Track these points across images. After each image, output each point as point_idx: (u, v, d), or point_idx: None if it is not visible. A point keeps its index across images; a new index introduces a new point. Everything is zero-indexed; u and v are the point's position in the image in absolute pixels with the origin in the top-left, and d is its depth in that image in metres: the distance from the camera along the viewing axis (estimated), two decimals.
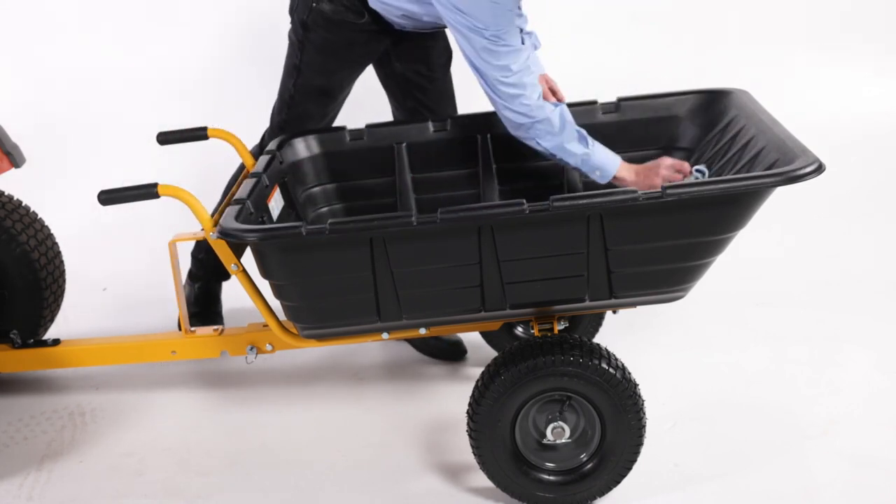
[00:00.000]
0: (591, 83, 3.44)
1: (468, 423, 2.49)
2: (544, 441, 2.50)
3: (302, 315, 2.44)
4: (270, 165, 2.85)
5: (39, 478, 2.84)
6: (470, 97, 3.55)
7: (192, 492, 2.75)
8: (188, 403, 3.19)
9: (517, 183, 3.07)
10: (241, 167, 3.20)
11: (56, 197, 4.39)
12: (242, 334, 2.89)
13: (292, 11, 3.10)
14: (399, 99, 3.26)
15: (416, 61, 3.16)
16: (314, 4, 2.97)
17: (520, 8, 2.80)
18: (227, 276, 3.40)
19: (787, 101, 4.18)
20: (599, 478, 2.50)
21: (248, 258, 2.50)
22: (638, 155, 3.03)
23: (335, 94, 3.13)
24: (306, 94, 3.09)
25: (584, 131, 2.78)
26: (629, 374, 2.44)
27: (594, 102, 3.06)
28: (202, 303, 3.35)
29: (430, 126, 3.06)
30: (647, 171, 2.77)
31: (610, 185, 2.78)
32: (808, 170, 2.24)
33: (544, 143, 2.74)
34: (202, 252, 3.33)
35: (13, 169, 2.98)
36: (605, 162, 2.76)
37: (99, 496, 2.76)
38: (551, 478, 2.52)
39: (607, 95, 3.09)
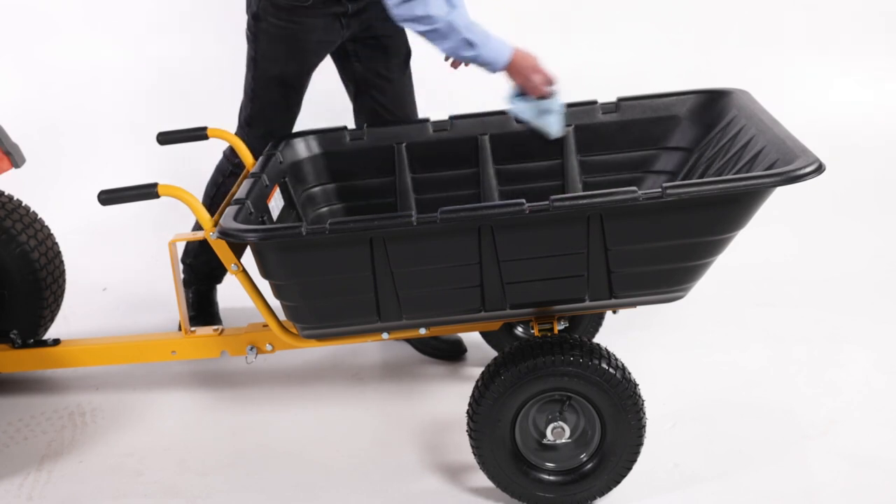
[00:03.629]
0: (591, 83, 3.44)
1: (468, 423, 2.49)
2: (544, 441, 2.50)
3: (302, 315, 2.44)
4: (270, 165, 2.85)
5: (39, 478, 2.84)
6: (470, 97, 3.55)
7: (192, 492, 2.75)
8: (188, 403, 3.19)
9: (517, 183, 3.07)
10: (226, 168, 3.21)
11: (56, 197, 4.39)
12: (242, 334, 2.89)
13: (247, 8, 3.12)
14: (358, 100, 3.26)
15: (374, 60, 3.17)
16: None
17: None
18: (218, 280, 3.41)
19: (787, 101, 4.18)
20: (599, 478, 2.50)
21: (248, 258, 2.50)
22: (638, 155, 3.03)
23: (293, 83, 3.11)
24: (265, 86, 3.09)
25: (475, 31, 2.78)
26: (629, 374, 2.44)
27: (594, 102, 3.06)
28: (198, 307, 3.37)
29: (430, 126, 3.06)
30: (531, 68, 2.84)
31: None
32: (807, 170, 2.24)
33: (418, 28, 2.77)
34: (190, 257, 3.35)
35: (13, 169, 2.98)
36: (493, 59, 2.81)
37: (99, 496, 2.76)
38: (551, 478, 2.52)
39: (607, 95, 3.09)
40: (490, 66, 2.84)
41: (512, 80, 2.89)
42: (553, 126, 2.95)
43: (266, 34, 3.04)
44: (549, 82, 2.90)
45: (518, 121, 3.01)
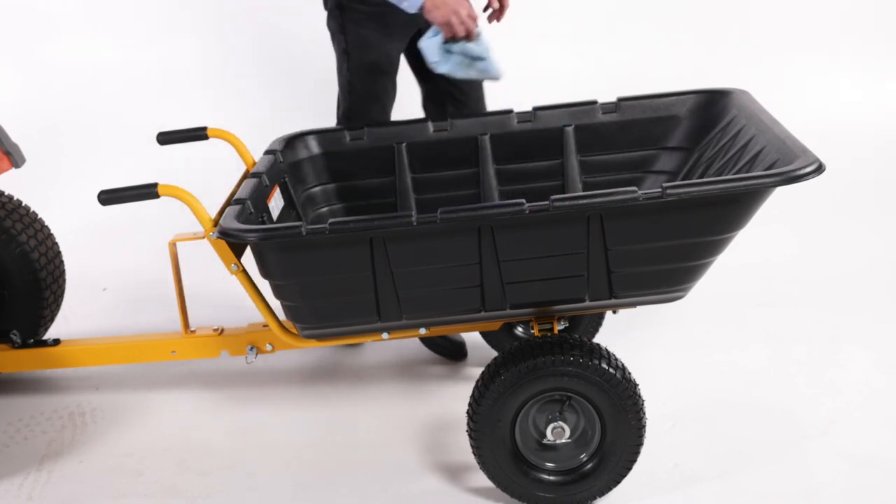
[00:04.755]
0: (591, 83, 3.44)
1: (468, 423, 2.49)
2: (544, 441, 2.50)
3: (302, 315, 2.44)
4: (271, 165, 2.85)
5: (39, 478, 2.84)
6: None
7: (192, 492, 2.75)
8: (188, 403, 3.19)
9: (517, 183, 3.07)
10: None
11: (56, 197, 4.39)
12: (242, 334, 2.89)
13: (324, 4, 3.13)
14: (428, 87, 3.24)
15: None
16: None
17: None
18: None
19: (787, 101, 4.18)
20: (599, 478, 2.50)
21: (248, 258, 2.50)
22: (638, 155, 3.03)
23: (387, 69, 3.12)
24: (361, 76, 3.10)
25: None
26: (629, 374, 2.44)
27: (594, 102, 3.06)
28: None
29: (430, 126, 3.06)
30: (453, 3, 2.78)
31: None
32: (807, 170, 2.24)
33: None
34: None
35: (13, 169, 2.98)
36: None
37: (99, 496, 2.76)
38: (551, 478, 2.52)
39: (607, 95, 3.09)
40: (406, 4, 2.79)
41: (431, 20, 2.82)
42: (490, 70, 2.88)
43: (354, 22, 3.04)
44: (473, 18, 2.82)
45: (449, 79, 2.94)
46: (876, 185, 4.46)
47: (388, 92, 3.17)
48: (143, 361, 3.07)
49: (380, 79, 3.12)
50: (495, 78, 2.94)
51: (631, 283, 2.38)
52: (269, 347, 2.88)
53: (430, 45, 2.87)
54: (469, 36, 2.85)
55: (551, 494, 2.52)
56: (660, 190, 2.22)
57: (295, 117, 4.78)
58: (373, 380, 3.26)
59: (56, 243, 3.35)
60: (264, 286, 2.50)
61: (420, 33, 2.98)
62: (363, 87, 3.12)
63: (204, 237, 2.58)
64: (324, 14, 3.19)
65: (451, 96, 3.20)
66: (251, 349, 2.88)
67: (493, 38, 2.94)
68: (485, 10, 3.08)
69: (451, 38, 2.86)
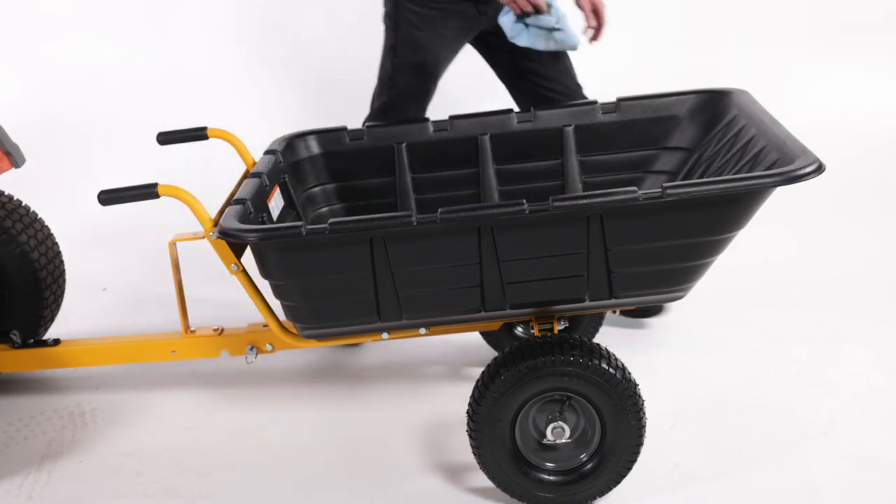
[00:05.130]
0: (591, 83, 3.44)
1: (468, 423, 2.49)
2: (544, 441, 2.50)
3: (302, 315, 2.44)
4: (271, 165, 2.85)
5: (39, 478, 2.84)
6: (470, 97, 3.56)
7: (192, 492, 2.75)
8: (188, 403, 3.19)
9: (517, 183, 3.07)
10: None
11: (56, 197, 4.39)
12: (242, 334, 2.89)
13: None
14: (516, 86, 3.25)
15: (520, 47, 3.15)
16: None
17: None
18: None
19: (787, 101, 4.19)
20: (599, 478, 2.50)
21: (248, 258, 2.50)
22: (638, 155, 3.03)
23: (432, 71, 3.14)
24: (404, 74, 3.11)
25: None
26: (629, 374, 2.44)
27: (594, 102, 3.05)
28: None
29: (430, 126, 3.06)
30: None
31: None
32: (808, 170, 2.24)
33: None
34: None
35: (13, 169, 2.98)
36: None
37: (99, 496, 2.76)
38: (551, 478, 2.52)
39: (607, 95, 3.09)
40: None
41: None
42: (568, 40, 2.90)
43: (407, 22, 3.06)
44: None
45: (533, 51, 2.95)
46: (876, 185, 4.46)
47: (429, 93, 3.19)
48: (143, 361, 3.07)
49: (423, 79, 3.14)
50: (573, 47, 2.95)
51: (631, 283, 2.38)
52: (269, 347, 2.88)
53: (505, 21, 2.96)
54: (539, 9, 2.86)
55: (551, 494, 2.52)
56: (660, 190, 2.22)
57: (295, 117, 4.80)
58: (373, 380, 3.26)
59: (56, 243, 3.35)
60: (264, 286, 2.50)
61: (487, 44, 3.06)
62: (405, 85, 3.13)
63: (204, 237, 2.58)
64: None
65: (537, 88, 3.19)
66: (251, 349, 2.88)
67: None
68: (584, 31, 3.09)
69: (524, 13, 2.88)
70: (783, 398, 2.97)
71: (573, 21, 3.05)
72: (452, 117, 3.07)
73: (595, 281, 2.37)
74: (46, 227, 3.33)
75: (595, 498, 2.54)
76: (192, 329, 2.95)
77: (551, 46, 2.98)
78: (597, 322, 3.18)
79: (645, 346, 3.30)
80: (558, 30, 2.93)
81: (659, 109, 3.02)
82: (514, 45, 3.10)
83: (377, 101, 3.21)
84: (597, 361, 2.40)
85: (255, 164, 2.99)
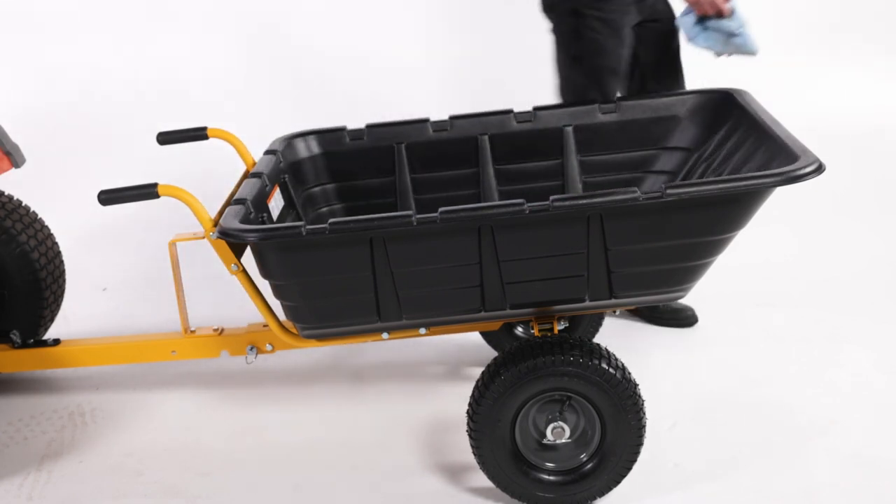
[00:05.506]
0: None
1: (468, 423, 2.49)
2: (544, 441, 2.50)
3: (302, 315, 2.44)
4: (271, 165, 2.85)
5: (39, 478, 2.84)
6: (470, 97, 3.55)
7: (192, 492, 2.75)
8: (188, 403, 3.19)
9: (517, 183, 3.07)
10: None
11: (56, 197, 4.39)
12: (242, 334, 2.89)
13: (549, 8, 3.12)
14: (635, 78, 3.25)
15: (651, 42, 3.18)
16: None
17: None
18: None
19: (787, 101, 4.18)
20: (599, 478, 2.50)
21: (249, 258, 2.50)
22: (638, 155, 3.03)
23: (618, 69, 3.12)
24: (596, 79, 3.08)
25: None
26: (629, 374, 2.44)
27: (594, 102, 3.05)
28: None
29: (430, 126, 3.06)
30: None
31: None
32: (808, 170, 2.24)
33: None
34: None
35: (13, 169, 2.98)
36: None
37: (99, 496, 2.76)
38: (551, 478, 2.52)
39: None
40: None
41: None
42: (746, 45, 2.89)
43: (590, 29, 3.02)
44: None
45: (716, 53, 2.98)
46: (876, 185, 4.46)
47: (615, 93, 3.15)
48: (143, 361, 3.07)
49: (612, 80, 3.11)
50: (752, 53, 2.95)
51: (631, 283, 2.38)
52: (269, 347, 2.88)
53: (685, 22, 2.98)
54: (721, 13, 2.85)
55: (551, 494, 2.52)
56: (660, 190, 2.22)
57: (295, 117, 4.79)
58: (373, 380, 3.26)
59: (56, 243, 3.35)
60: (264, 286, 2.50)
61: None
62: (599, 90, 3.08)
63: (204, 237, 2.58)
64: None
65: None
66: (251, 349, 2.88)
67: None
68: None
69: (704, 16, 2.87)
70: (783, 398, 2.97)
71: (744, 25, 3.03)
72: (452, 117, 3.07)
73: (595, 281, 2.37)
74: (46, 227, 3.33)
75: (595, 498, 2.54)
76: (192, 329, 2.95)
77: (729, 50, 2.98)
78: (597, 322, 3.18)
79: (645, 346, 3.30)
80: (737, 35, 2.92)
81: (659, 109, 3.02)
82: (649, 38, 3.13)
83: None
84: (597, 361, 2.40)
85: (255, 164, 2.99)
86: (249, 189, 2.65)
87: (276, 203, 2.82)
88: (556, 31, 3.14)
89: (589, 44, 3.06)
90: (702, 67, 5.10)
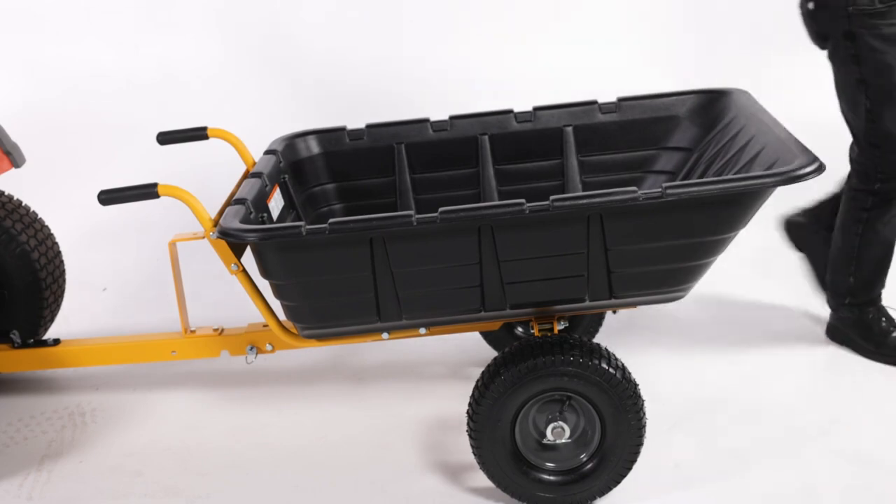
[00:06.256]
0: (591, 83, 3.44)
1: (468, 423, 2.49)
2: (544, 441, 2.50)
3: (302, 315, 2.44)
4: (271, 165, 2.85)
5: (39, 478, 2.84)
6: (470, 97, 3.55)
7: (192, 492, 2.75)
8: (188, 403, 3.19)
9: (517, 183, 3.07)
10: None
11: (56, 197, 4.39)
12: (242, 334, 2.89)
13: (821, 37, 3.04)
14: None
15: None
16: (850, 9, 2.88)
17: None
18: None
19: (787, 101, 4.18)
20: (599, 478, 2.50)
21: (249, 258, 2.50)
22: (638, 155, 3.03)
23: None
24: (887, 100, 2.95)
25: None
26: (629, 374, 2.44)
27: (594, 102, 3.06)
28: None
29: (430, 126, 3.06)
30: None
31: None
32: (808, 170, 2.24)
33: None
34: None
35: (13, 169, 2.98)
36: None
37: (99, 496, 2.76)
38: (551, 478, 2.52)
39: (607, 95, 3.09)
40: None
41: None
42: None
43: (869, 48, 2.91)
44: None
45: None
46: None
47: None
48: (143, 361, 3.07)
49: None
50: None
51: (631, 283, 2.38)
52: (269, 347, 2.88)
53: None
54: None
55: (551, 494, 2.52)
56: (660, 190, 2.22)
57: (295, 117, 4.79)
58: (373, 380, 3.26)
59: (56, 243, 3.35)
60: (264, 286, 2.50)
61: None
62: (891, 111, 2.96)
63: (204, 237, 2.58)
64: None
65: None
66: (251, 349, 2.88)
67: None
68: None
69: None
70: (783, 398, 2.97)
71: None
72: (452, 117, 3.07)
73: (595, 281, 2.37)
74: (46, 227, 3.33)
75: (595, 498, 2.54)
76: (192, 329, 2.95)
77: None
78: (597, 322, 3.18)
79: (645, 346, 3.30)
80: None
81: (659, 109, 3.02)
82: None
83: (867, 137, 3.04)
84: (597, 361, 2.40)
85: (255, 164, 2.99)
86: (249, 189, 2.65)
87: (276, 203, 2.82)
88: (834, 57, 3.04)
89: (871, 65, 2.93)
90: (702, 67, 5.10)
